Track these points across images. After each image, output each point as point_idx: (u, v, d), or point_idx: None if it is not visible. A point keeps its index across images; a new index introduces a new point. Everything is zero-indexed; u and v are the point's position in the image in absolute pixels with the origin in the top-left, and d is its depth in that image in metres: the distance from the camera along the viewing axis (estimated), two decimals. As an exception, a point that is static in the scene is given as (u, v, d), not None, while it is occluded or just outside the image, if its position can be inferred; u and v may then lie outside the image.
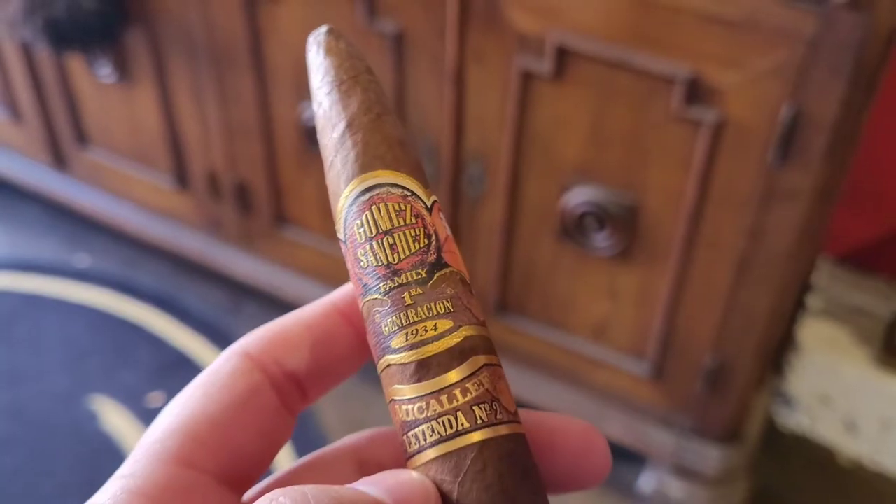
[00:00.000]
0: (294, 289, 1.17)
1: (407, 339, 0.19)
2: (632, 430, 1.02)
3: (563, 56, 0.79)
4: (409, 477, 0.19)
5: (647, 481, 1.07)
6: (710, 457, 0.99)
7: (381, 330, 0.20)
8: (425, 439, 0.19)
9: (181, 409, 0.21)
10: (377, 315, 0.20)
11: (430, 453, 0.19)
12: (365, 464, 0.23)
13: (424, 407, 0.19)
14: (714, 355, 0.90)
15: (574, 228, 0.89)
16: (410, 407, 0.19)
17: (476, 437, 0.19)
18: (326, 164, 0.22)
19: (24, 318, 1.28)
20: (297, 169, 1.08)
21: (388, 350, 0.20)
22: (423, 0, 0.84)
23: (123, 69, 1.12)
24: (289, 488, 0.18)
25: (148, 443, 0.21)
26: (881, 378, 1.14)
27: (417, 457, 0.19)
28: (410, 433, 0.19)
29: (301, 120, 1.02)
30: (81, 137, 1.26)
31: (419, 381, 0.19)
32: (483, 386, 0.19)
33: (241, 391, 0.22)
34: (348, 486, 0.18)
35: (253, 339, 0.22)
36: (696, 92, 0.75)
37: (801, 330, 1.17)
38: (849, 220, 1.16)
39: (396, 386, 0.20)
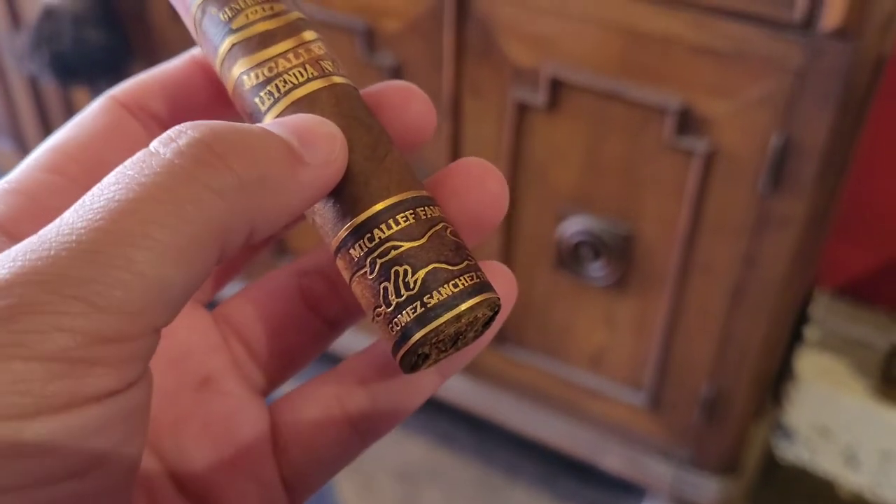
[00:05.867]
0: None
1: (263, 11, 0.23)
2: (630, 462, 1.01)
3: (557, 88, 0.81)
4: (314, 118, 0.21)
5: (645, 513, 1.06)
6: (708, 488, 0.99)
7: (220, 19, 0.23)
8: (264, 104, 0.22)
9: (54, 137, 0.24)
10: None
11: (268, 117, 0.22)
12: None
13: (262, 73, 0.22)
14: (710, 384, 0.90)
15: (570, 258, 0.90)
16: (247, 77, 0.23)
17: (300, 92, 0.22)
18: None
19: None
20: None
21: (229, 32, 0.23)
22: (420, 34, 0.86)
23: (128, 103, 1.14)
24: (198, 122, 0.19)
25: (24, 162, 0.23)
26: (880, 410, 1.13)
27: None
28: (254, 98, 0.23)
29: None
30: (86, 170, 1.27)
31: (259, 49, 0.23)
32: (306, 55, 0.23)
33: (108, 121, 0.24)
34: (257, 125, 0.20)
35: (118, 87, 0.25)
36: (687, 122, 0.76)
37: (799, 361, 1.17)
38: (845, 252, 1.16)
39: (240, 60, 0.23)
